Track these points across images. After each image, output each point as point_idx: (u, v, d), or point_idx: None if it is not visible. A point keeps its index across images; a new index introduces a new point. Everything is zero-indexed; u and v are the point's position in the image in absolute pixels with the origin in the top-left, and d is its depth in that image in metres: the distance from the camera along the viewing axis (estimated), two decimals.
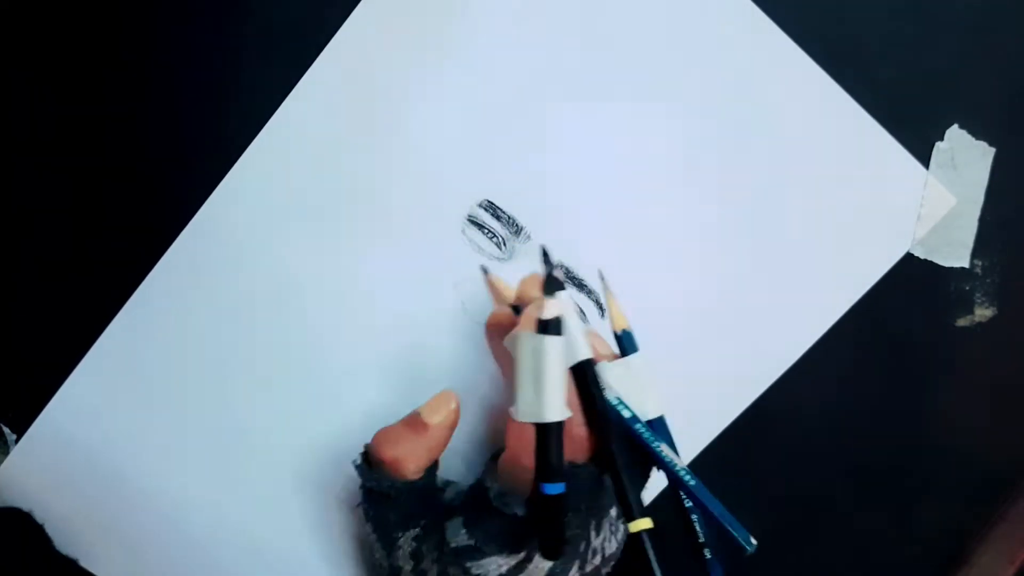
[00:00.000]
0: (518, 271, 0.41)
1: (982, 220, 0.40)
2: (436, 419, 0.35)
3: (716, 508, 0.33)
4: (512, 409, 0.33)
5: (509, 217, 0.41)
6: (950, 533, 0.43)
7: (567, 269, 0.41)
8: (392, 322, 0.41)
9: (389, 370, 0.42)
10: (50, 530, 0.43)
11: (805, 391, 0.41)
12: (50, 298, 0.42)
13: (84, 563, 0.44)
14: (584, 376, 0.33)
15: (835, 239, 0.41)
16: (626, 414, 0.34)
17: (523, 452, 0.32)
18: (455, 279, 0.41)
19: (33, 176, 0.42)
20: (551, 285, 0.33)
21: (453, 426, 0.36)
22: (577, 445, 0.33)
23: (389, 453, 0.35)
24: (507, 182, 0.40)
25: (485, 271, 0.39)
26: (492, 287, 0.38)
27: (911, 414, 0.42)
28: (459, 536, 0.34)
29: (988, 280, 0.41)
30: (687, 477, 0.34)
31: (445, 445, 0.36)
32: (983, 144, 0.40)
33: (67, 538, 0.43)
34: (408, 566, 0.36)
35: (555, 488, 0.32)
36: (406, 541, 0.36)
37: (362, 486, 0.37)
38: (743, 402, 0.42)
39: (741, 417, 0.42)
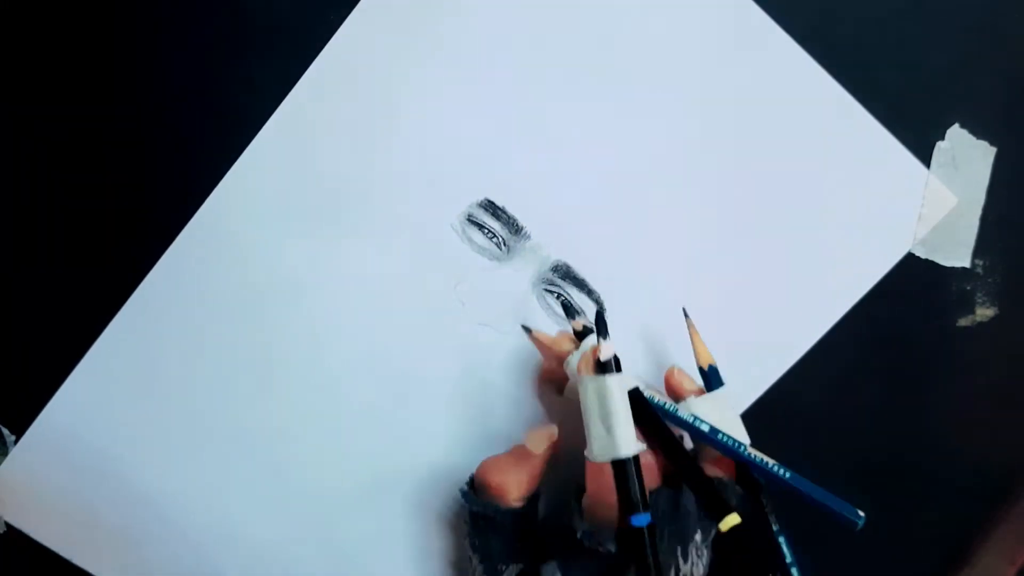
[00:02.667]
0: (518, 271, 0.41)
1: (983, 220, 0.40)
2: (540, 448, 0.37)
3: (818, 493, 0.35)
4: (587, 452, 0.35)
5: (509, 217, 0.41)
6: (950, 533, 0.43)
7: (568, 267, 0.41)
8: (391, 322, 0.41)
9: (388, 370, 0.42)
10: (49, 529, 0.43)
11: (806, 391, 0.41)
12: (49, 298, 0.42)
13: (84, 563, 0.44)
14: (639, 403, 0.35)
15: (836, 239, 0.41)
16: (704, 427, 0.36)
17: (604, 491, 0.34)
18: (455, 279, 0.41)
19: (33, 175, 0.42)
20: (602, 327, 0.35)
21: (549, 456, 0.38)
22: (649, 473, 0.35)
23: (495, 479, 0.37)
24: (507, 182, 0.40)
25: (528, 330, 0.40)
26: (538, 343, 0.39)
27: (911, 414, 0.42)
28: None
29: (989, 280, 0.41)
30: (781, 471, 0.35)
31: (542, 474, 0.38)
32: (984, 143, 0.40)
33: (67, 537, 0.43)
34: None
35: (642, 519, 0.33)
36: (509, 574, 0.37)
37: (469, 512, 0.38)
38: (744, 402, 0.41)
39: (742, 417, 0.41)
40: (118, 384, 0.42)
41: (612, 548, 0.34)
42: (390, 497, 0.42)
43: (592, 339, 0.37)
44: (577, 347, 0.37)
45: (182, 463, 0.43)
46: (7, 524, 0.43)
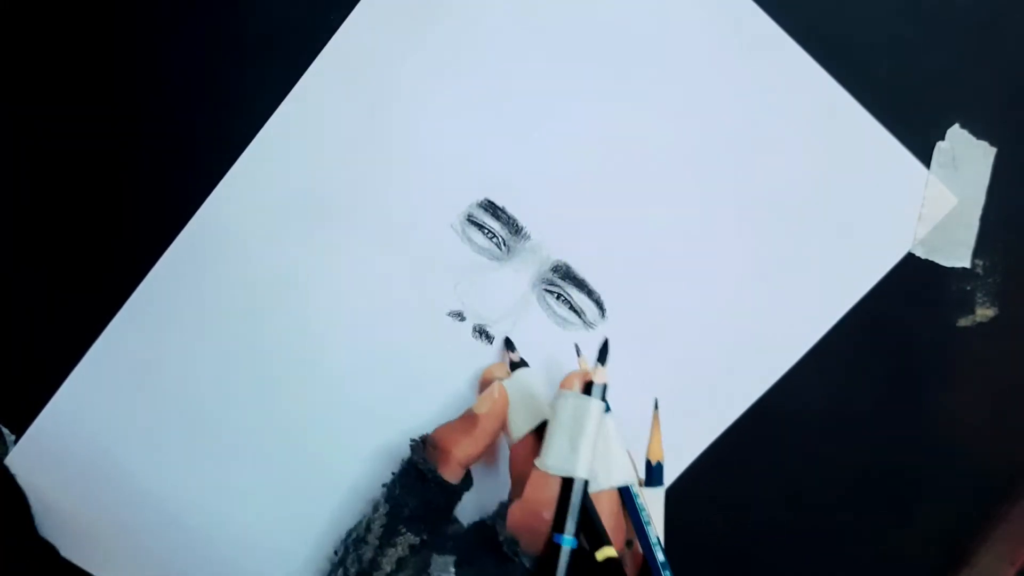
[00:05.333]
0: (517, 271, 0.41)
1: (983, 220, 0.40)
2: (482, 409, 0.38)
3: None
4: (538, 460, 0.35)
5: (509, 217, 0.41)
6: (950, 533, 0.43)
7: (568, 267, 0.41)
8: (392, 322, 0.41)
9: (388, 370, 0.42)
10: (49, 531, 0.43)
11: (806, 391, 0.41)
12: (50, 298, 0.42)
13: (83, 563, 0.44)
14: (624, 497, 0.36)
15: (836, 239, 0.40)
16: (660, 558, 0.36)
17: (543, 504, 0.34)
18: (455, 279, 0.41)
19: (33, 175, 0.42)
20: (604, 355, 0.37)
21: (498, 417, 0.38)
22: (633, 567, 0.36)
23: (442, 440, 0.38)
24: (507, 182, 0.40)
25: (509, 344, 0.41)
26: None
27: (911, 414, 0.42)
28: (446, 573, 0.35)
29: (989, 280, 0.41)
30: None
31: (491, 438, 0.38)
32: (984, 144, 0.40)
33: (66, 538, 0.43)
34: (388, 567, 0.37)
35: (569, 541, 0.33)
36: (403, 543, 0.37)
37: (407, 462, 0.38)
38: (744, 403, 0.41)
39: (742, 418, 0.42)
40: (118, 384, 0.42)
41: (527, 562, 0.34)
42: None
43: (528, 372, 0.39)
44: (507, 376, 0.39)
45: (182, 462, 0.43)
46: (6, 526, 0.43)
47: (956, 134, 0.40)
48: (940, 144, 0.40)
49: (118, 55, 0.40)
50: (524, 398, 0.38)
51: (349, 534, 0.39)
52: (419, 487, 0.37)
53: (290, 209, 0.41)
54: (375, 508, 0.38)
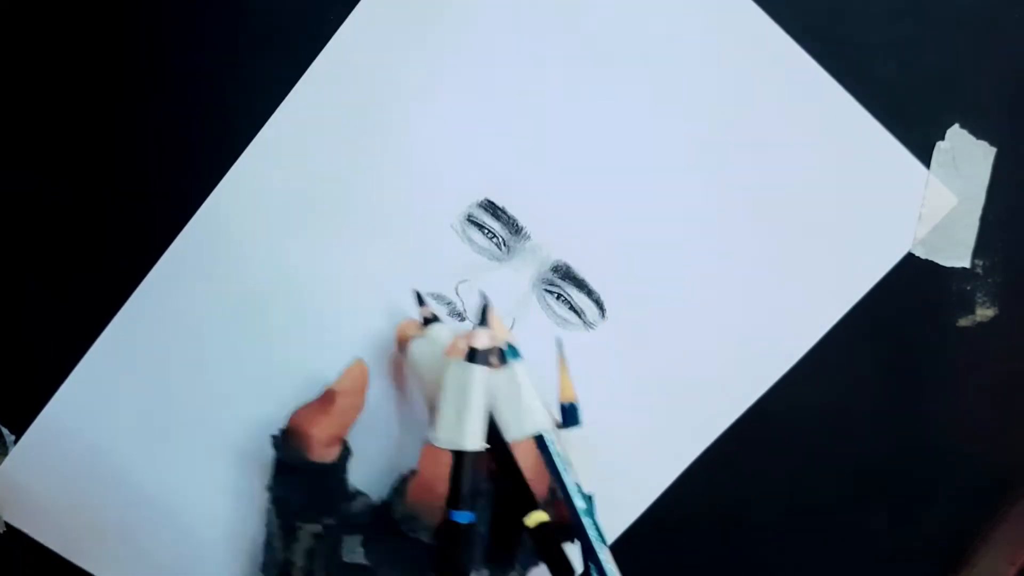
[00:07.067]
0: (517, 271, 0.41)
1: (983, 220, 0.40)
2: (342, 385, 0.37)
3: None
4: (429, 434, 0.33)
5: (509, 217, 0.41)
6: (950, 533, 0.43)
7: (568, 267, 0.41)
8: (392, 322, 0.41)
9: (388, 370, 0.42)
10: (49, 529, 0.43)
11: (805, 392, 0.41)
12: (49, 298, 0.42)
13: (84, 563, 0.44)
14: (540, 447, 0.35)
15: (835, 239, 0.40)
16: (580, 504, 0.34)
17: (436, 478, 0.33)
18: (454, 279, 0.41)
19: (33, 175, 0.42)
20: (484, 318, 0.34)
21: (358, 392, 0.37)
22: (558, 516, 0.34)
23: (300, 425, 0.36)
24: (507, 182, 0.40)
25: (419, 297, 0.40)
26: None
27: (911, 414, 0.42)
28: (354, 554, 0.35)
29: (989, 280, 0.41)
30: None
31: (352, 415, 0.37)
32: (984, 144, 0.40)
33: (66, 538, 0.43)
34: (300, 562, 0.36)
35: (463, 516, 0.32)
36: (305, 535, 0.36)
37: (274, 460, 0.37)
38: (744, 403, 0.41)
39: (742, 417, 0.42)
40: (118, 384, 0.42)
41: (426, 539, 0.33)
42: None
43: (441, 328, 0.37)
44: (420, 333, 0.37)
45: (182, 462, 0.43)
46: (7, 524, 0.43)
47: (956, 134, 0.40)
48: (940, 144, 0.40)
49: (118, 55, 0.40)
50: (439, 356, 0.36)
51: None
52: (295, 480, 0.36)
53: (290, 209, 0.41)
54: (267, 514, 0.38)
